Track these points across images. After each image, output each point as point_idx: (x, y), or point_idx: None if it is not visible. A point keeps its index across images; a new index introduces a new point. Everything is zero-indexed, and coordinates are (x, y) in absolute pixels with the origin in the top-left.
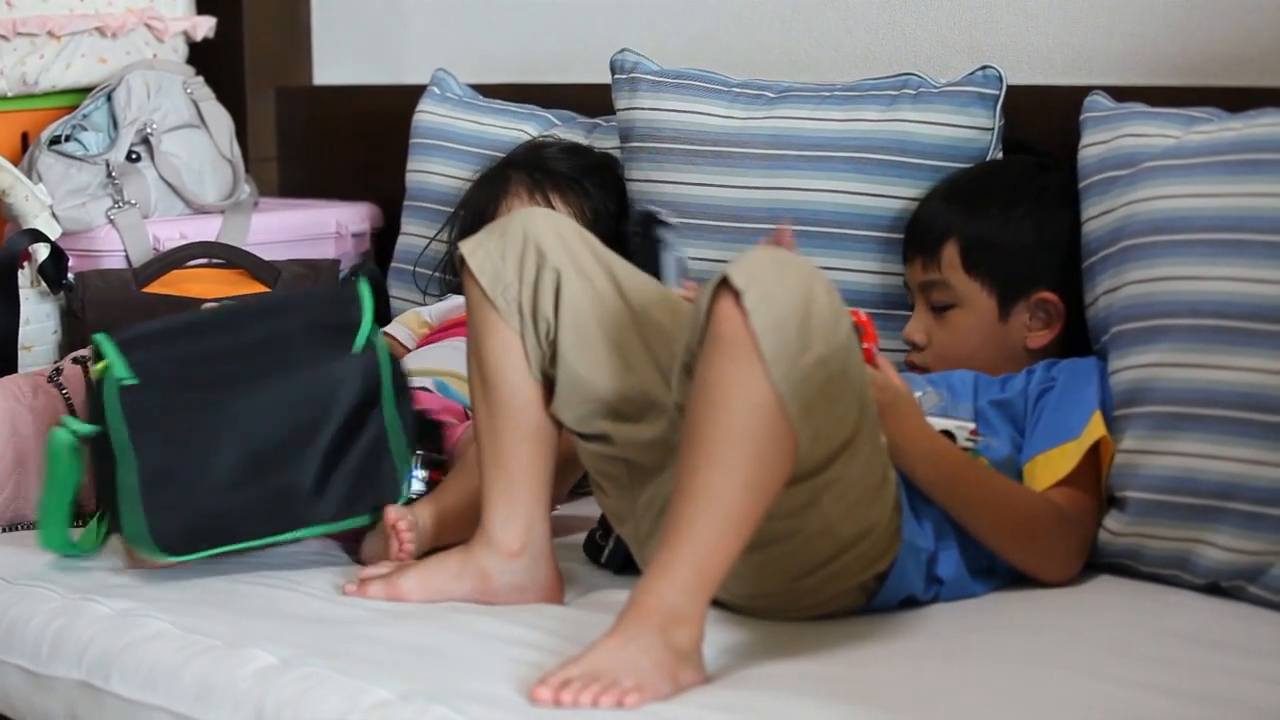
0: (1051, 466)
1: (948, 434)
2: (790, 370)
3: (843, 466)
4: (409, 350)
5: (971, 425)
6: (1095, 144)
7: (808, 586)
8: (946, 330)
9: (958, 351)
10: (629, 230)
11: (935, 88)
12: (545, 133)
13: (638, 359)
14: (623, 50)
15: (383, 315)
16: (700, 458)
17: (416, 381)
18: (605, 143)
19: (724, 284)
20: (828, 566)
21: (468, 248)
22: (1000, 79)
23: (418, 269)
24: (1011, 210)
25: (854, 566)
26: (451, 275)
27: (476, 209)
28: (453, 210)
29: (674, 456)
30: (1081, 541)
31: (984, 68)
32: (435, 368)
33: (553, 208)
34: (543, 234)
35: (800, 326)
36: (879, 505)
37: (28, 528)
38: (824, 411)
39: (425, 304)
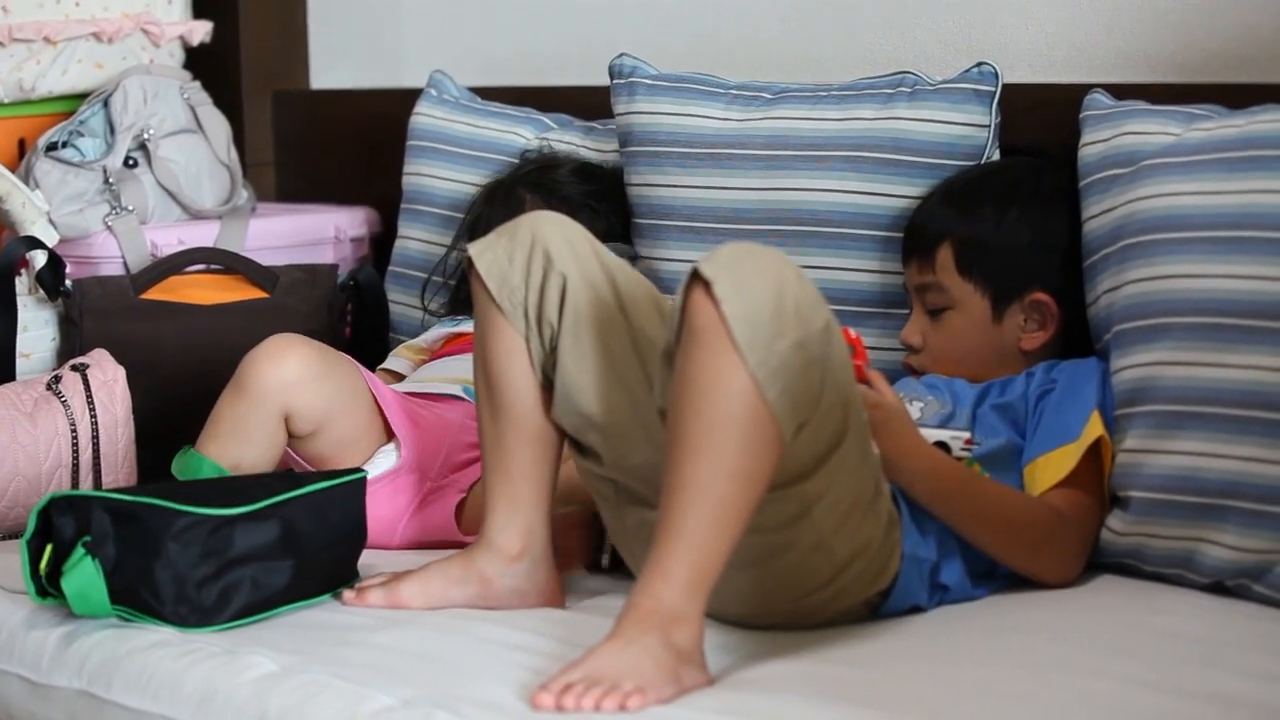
0: (1051, 468)
1: (942, 445)
2: (766, 356)
3: (832, 472)
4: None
5: (966, 435)
6: (1095, 142)
7: (810, 607)
8: (941, 332)
9: (952, 353)
10: None
11: (931, 85)
12: (541, 136)
13: (631, 375)
14: (621, 55)
15: (381, 321)
16: (684, 451)
17: (443, 389)
18: (602, 145)
19: (695, 277)
20: (828, 587)
21: (476, 249)
22: (996, 75)
23: (432, 278)
24: (1005, 212)
25: (855, 586)
26: (458, 283)
27: (489, 228)
28: (461, 221)
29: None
30: (1082, 543)
31: (979, 64)
32: (460, 376)
33: None
34: (551, 238)
35: (773, 313)
36: (872, 520)
37: None
38: (805, 399)
39: (425, 310)
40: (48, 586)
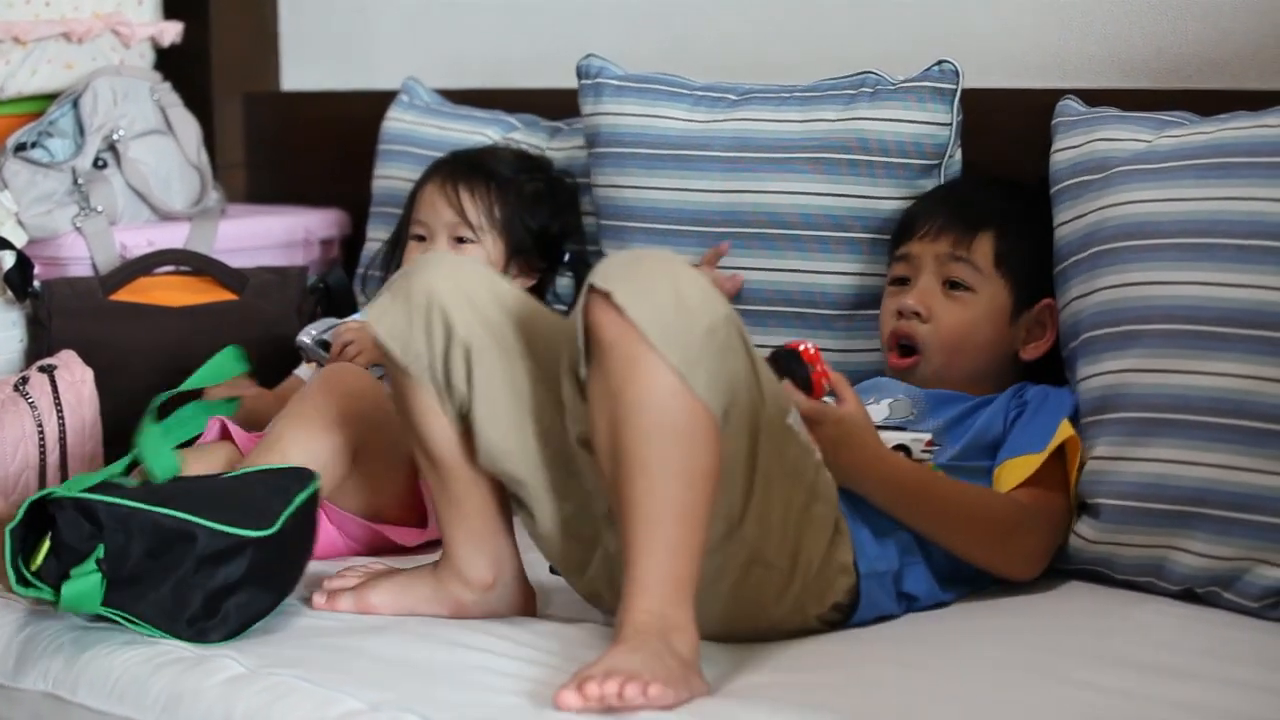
0: (1018, 469)
1: (903, 448)
2: (686, 352)
3: (754, 485)
4: None
5: (927, 436)
6: (1067, 148)
7: (771, 623)
8: (955, 310)
9: (956, 334)
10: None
11: (892, 85)
12: (507, 136)
13: (554, 425)
14: (588, 55)
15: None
16: (630, 467)
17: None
18: (568, 144)
19: (593, 291)
20: (781, 601)
21: (374, 314)
22: (957, 73)
23: (370, 273)
24: (1046, 222)
25: (809, 598)
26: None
27: (408, 199)
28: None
29: (603, 527)
30: (1047, 539)
31: (940, 62)
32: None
33: (459, 199)
34: (447, 297)
35: (677, 307)
36: (810, 529)
37: None
38: (727, 382)
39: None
40: (29, 575)
